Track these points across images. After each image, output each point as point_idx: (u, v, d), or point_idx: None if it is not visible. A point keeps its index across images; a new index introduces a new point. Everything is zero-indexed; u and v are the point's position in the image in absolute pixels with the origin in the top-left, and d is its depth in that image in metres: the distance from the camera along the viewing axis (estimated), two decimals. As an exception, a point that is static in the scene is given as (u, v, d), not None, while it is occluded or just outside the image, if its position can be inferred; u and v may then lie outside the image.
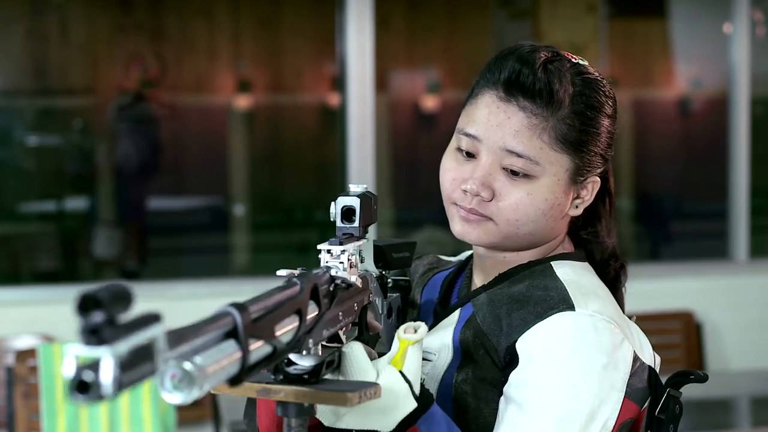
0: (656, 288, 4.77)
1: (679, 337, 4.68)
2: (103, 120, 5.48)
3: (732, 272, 4.92)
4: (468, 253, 1.53)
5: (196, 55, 5.76)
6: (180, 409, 3.56)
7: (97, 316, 0.85)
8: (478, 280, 1.47)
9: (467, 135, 1.38)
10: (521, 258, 1.42)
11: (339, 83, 4.79)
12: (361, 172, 4.56)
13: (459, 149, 1.40)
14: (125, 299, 0.87)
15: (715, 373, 4.65)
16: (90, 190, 5.48)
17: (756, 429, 3.55)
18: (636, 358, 1.33)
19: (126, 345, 0.85)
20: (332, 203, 1.31)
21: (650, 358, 1.37)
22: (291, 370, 1.15)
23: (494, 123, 1.36)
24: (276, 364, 1.13)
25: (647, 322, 4.73)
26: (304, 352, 1.14)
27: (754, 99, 5.06)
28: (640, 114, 6.15)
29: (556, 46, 1.42)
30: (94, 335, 0.84)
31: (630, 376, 1.31)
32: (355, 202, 1.30)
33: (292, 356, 1.16)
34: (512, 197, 1.35)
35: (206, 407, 4.03)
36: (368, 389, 1.15)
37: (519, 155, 1.34)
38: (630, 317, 1.43)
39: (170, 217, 5.91)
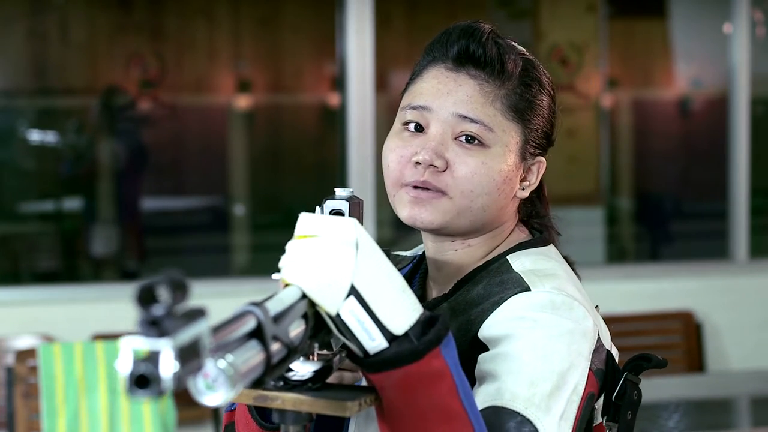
0: (656, 288, 4.77)
1: (679, 337, 4.68)
2: (102, 120, 5.48)
3: (732, 272, 4.91)
4: (423, 247, 1.47)
5: (196, 55, 5.76)
6: (180, 409, 3.56)
7: (158, 308, 0.83)
8: (435, 288, 1.43)
9: (415, 108, 1.35)
10: (474, 252, 1.38)
11: (339, 83, 4.79)
12: (361, 172, 4.56)
13: (405, 127, 1.36)
14: (183, 289, 0.85)
15: (715, 373, 4.65)
16: (90, 189, 5.48)
17: (756, 429, 3.55)
18: (598, 338, 1.30)
19: (184, 337, 0.84)
20: (318, 207, 1.28)
21: (609, 345, 1.33)
22: (290, 376, 1.13)
23: (444, 91, 1.34)
24: (284, 369, 1.12)
25: (647, 322, 4.77)
26: (302, 359, 1.12)
27: (754, 99, 5.06)
28: (640, 114, 6.15)
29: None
30: (154, 327, 0.83)
31: (593, 350, 1.28)
32: (343, 206, 1.28)
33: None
34: (467, 166, 1.31)
35: (206, 407, 4.03)
36: (367, 396, 1.13)
37: (473, 120, 1.32)
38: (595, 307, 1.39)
39: (170, 217, 5.91)
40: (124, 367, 0.83)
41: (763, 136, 5.25)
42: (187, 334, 0.85)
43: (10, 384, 3.61)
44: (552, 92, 1.41)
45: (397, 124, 1.38)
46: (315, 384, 1.13)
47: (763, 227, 5.52)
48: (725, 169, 5.06)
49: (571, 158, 5.58)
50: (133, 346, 0.83)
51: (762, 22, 5.41)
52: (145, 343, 0.83)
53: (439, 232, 1.37)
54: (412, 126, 1.35)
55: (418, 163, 1.32)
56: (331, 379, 1.24)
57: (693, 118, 6.13)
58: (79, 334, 4.09)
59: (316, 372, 1.13)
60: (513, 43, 1.39)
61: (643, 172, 6.15)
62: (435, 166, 1.31)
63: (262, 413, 1.33)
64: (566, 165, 5.54)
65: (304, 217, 1.13)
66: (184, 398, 3.81)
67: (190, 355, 0.85)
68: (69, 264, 5.56)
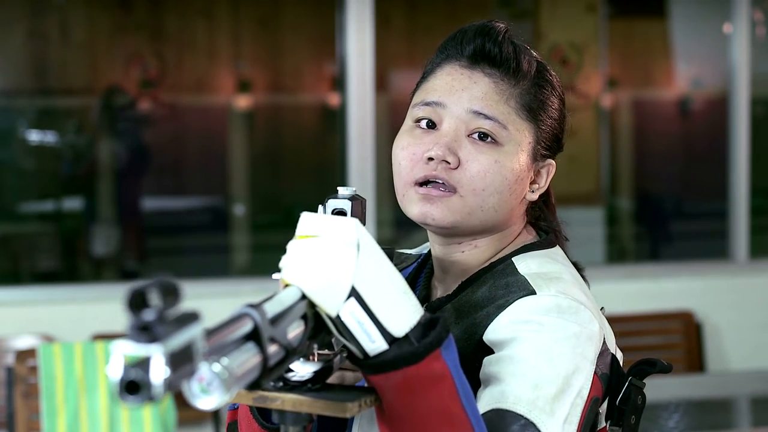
0: (656, 288, 4.77)
1: (679, 337, 4.68)
2: (102, 120, 5.48)
3: (732, 272, 4.91)
4: (428, 245, 1.46)
5: (196, 55, 5.76)
6: (180, 409, 3.56)
7: (149, 313, 0.83)
8: (440, 288, 1.42)
9: (428, 104, 1.34)
10: (481, 254, 1.37)
11: (339, 83, 4.79)
12: (361, 172, 4.55)
13: (416, 124, 1.35)
14: (175, 294, 0.85)
15: (715, 373, 4.65)
16: (90, 189, 5.48)
17: (756, 429, 3.55)
18: (603, 342, 1.29)
19: (176, 342, 0.83)
20: (320, 206, 1.27)
21: (614, 348, 1.33)
22: (290, 376, 1.12)
23: (459, 87, 1.33)
24: (282, 370, 1.11)
25: (647, 322, 4.76)
26: (302, 359, 1.12)
27: (754, 99, 5.06)
28: (640, 114, 6.15)
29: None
30: (145, 333, 0.82)
31: (598, 354, 1.27)
32: (346, 205, 1.27)
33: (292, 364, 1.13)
34: (480, 164, 1.30)
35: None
36: (367, 397, 1.12)
37: (487, 117, 1.31)
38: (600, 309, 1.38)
39: (170, 216, 5.91)
40: (115, 372, 0.83)
41: (763, 136, 5.25)
42: (178, 340, 0.84)
43: (10, 384, 3.61)
44: (562, 96, 1.41)
45: (408, 122, 1.37)
46: (315, 384, 1.12)
47: (763, 227, 5.51)
48: (725, 169, 5.06)
49: (571, 158, 5.57)
50: (123, 352, 0.83)
51: (762, 22, 5.41)
52: (135, 349, 0.82)
53: (449, 231, 1.35)
54: (424, 123, 1.34)
55: (430, 159, 1.31)
56: (332, 380, 1.23)
57: (693, 118, 6.13)
58: (79, 334, 4.09)
59: (316, 372, 1.12)
60: (525, 46, 1.39)
61: (643, 172, 6.15)
62: (447, 162, 1.30)
63: (263, 413, 1.32)
64: (566, 165, 5.54)
65: (305, 217, 1.12)
66: (184, 398, 3.81)
67: (182, 360, 0.84)
68: (69, 264, 5.56)
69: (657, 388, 3.64)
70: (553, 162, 1.40)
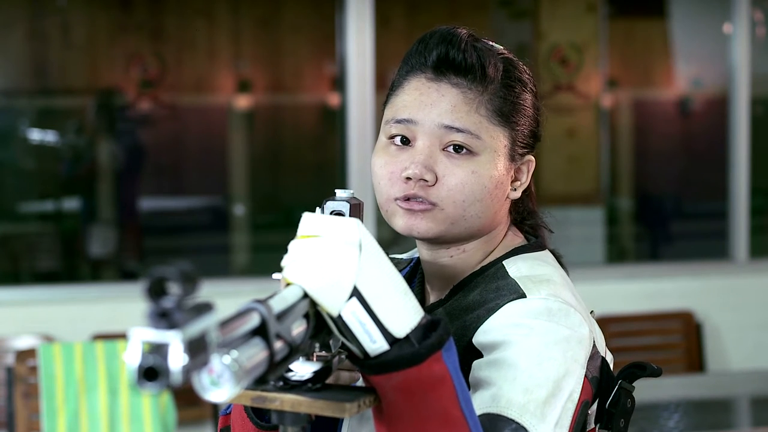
0: (656, 288, 4.77)
1: (679, 337, 4.68)
2: (98, 121, 5.48)
3: (732, 272, 4.91)
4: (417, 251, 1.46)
5: (196, 55, 5.76)
6: (180, 409, 3.56)
7: (168, 300, 0.83)
8: (432, 294, 1.42)
9: (400, 121, 1.33)
10: (469, 258, 1.37)
11: (339, 83, 4.79)
12: (361, 172, 4.56)
13: (390, 141, 1.35)
14: (193, 282, 0.85)
15: (715, 373, 4.65)
16: (89, 190, 5.48)
17: (756, 429, 3.55)
18: (593, 345, 1.29)
19: (193, 330, 0.84)
20: (318, 209, 1.27)
21: (603, 351, 1.33)
22: (290, 376, 1.12)
23: (428, 103, 1.32)
24: (285, 367, 1.11)
25: (647, 322, 4.76)
26: (302, 359, 1.12)
27: (754, 99, 5.06)
28: (640, 114, 6.15)
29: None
30: (164, 319, 0.83)
31: (589, 358, 1.27)
32: (344, 207, 1.28)
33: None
34: (457, 177, 1.30)
35: (206, 407, 4.03)
36: (366, 397, 1.12)
37: (459, 130, 1.30)
38: (590, 312, 1.37)
39: (170, 217, 5.91)
40: (133, 359, 0.83)
41: (763, 136, 5.25)
42: (196, 328, 0.84)
43: (10, 384, 3.61)
44: (534, 89, 1.40)
45: (382, 138, 1.36)
46: (315, 384, 1.13)
47: (763, 227, 5.52)
48: (725, 169, 5.06)
49: (571, 158, 5.58)
50: (142, 338, 0.83)
51: (762, 22, 5.42)
52: (154, 335, 0.83)
53: (435, 240, 1.36)
54: (398, 140, 1.34)
55: (408, 178, 1.31)
56: (328, 379, 1.24)
57: (693, 118, 6.13)
58: (79, 334, 4.09)
59: (316, 372, 1.13)
60: (491, 44, 1.38)
61: (643, 172, 6.15)
62: (425, 180, 1.30)
63: (258, 412, 1.32)
64: (566, 165, 5.54)
65: (307, 217, 1.12)
66: (184, 398, 3.81)
67: (197, 349, 0.84)
68: (69, 264, 5.56)
69: (657, 388, 3.64)
70: (533, 157, 1.39)
